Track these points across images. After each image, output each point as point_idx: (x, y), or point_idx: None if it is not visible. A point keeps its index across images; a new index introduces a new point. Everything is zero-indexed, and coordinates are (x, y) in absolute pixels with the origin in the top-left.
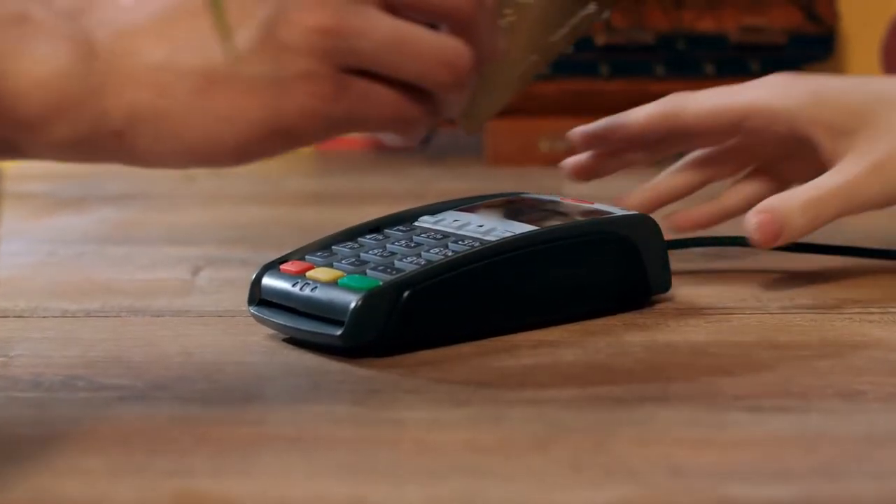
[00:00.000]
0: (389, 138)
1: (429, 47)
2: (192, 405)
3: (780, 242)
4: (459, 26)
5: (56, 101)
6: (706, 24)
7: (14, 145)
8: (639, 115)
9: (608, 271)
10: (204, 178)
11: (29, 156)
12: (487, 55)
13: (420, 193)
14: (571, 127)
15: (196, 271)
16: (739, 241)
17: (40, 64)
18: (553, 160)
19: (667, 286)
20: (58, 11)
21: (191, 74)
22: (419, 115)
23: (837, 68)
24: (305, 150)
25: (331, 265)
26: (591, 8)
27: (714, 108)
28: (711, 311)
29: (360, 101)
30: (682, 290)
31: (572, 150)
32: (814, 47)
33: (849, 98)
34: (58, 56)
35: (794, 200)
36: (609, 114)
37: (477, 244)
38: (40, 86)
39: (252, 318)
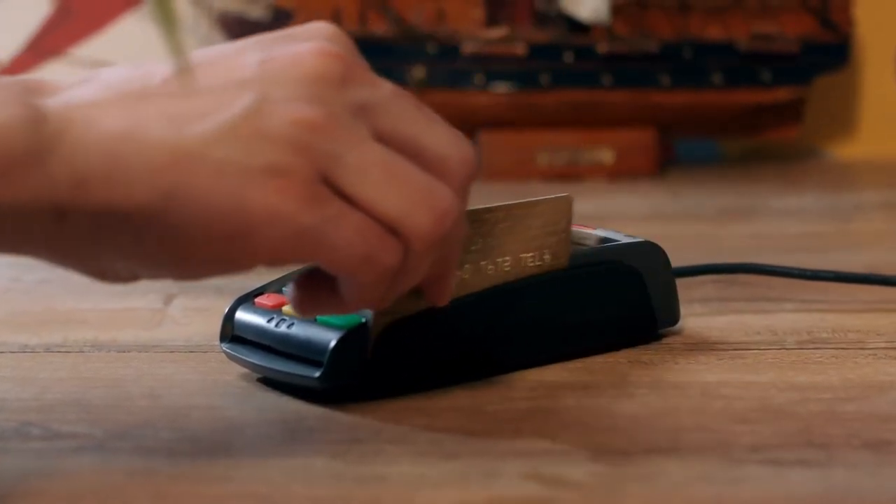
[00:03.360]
0: (347, 292)
1: (417, 185)
2: (154, 457)
3: None
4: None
5: None
6: (714, 32)
7: None
8: None
9: (612, 304)
10: None
11: None
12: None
13: None
14: (571, 140)
15: (168, 300)
16: (752, 268)
17: None
18: (552, 175)
19: (675, 319)
20: (8, 82)
21: (152, 149)
22: (390, 264)
23: (852, 77)
24: None
25: None
26: (548, 259)
27: None
28: (723, 346)
29: (332, 224)
30: (692, 323)
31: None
32: (828, 56)
33: None
34: (4, 114)
35: None
36: (611, 126)
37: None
38: None
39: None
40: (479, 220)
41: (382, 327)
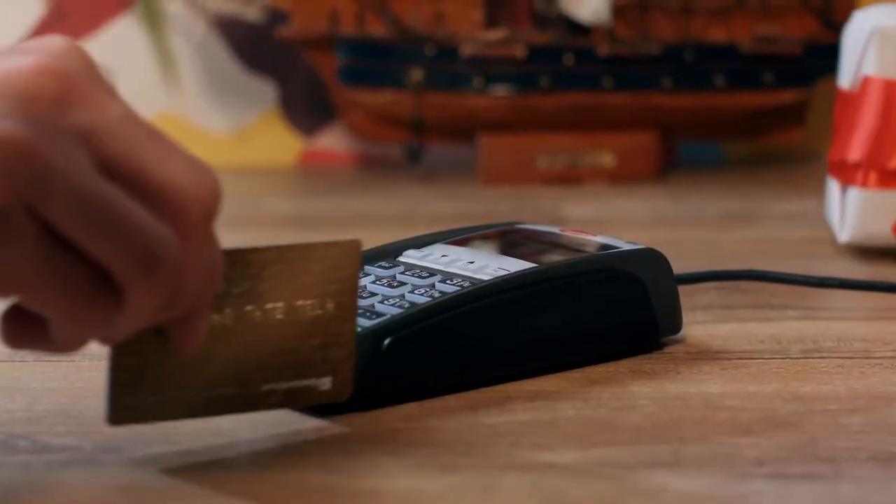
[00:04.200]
0: (54, 331)
1: (132, 229)
2: (144, 471)
3: None
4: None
5: None
6: (716, 34)
7: None
8: None
9: (613, 312)
10: None
11: None
12: (180, 317)
13: (408, 217)
14: (571, 143)
15: None
16: (756, 275)
17: None
18: (552, 178)
19: (677, 327)
20: None
21: None
22: (97, 316)
23: None
24: (286, 166)
25: None
26: (325, 383)
27: None
28: (727, 355)
29: (26, 257)
30: (695, 332)
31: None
32: (831, 57)
33: None
34: None
35: None
36: (611, 129)
37: (467, 284)
38: None
39: None
40: (243, 262)
41: (125, 370)
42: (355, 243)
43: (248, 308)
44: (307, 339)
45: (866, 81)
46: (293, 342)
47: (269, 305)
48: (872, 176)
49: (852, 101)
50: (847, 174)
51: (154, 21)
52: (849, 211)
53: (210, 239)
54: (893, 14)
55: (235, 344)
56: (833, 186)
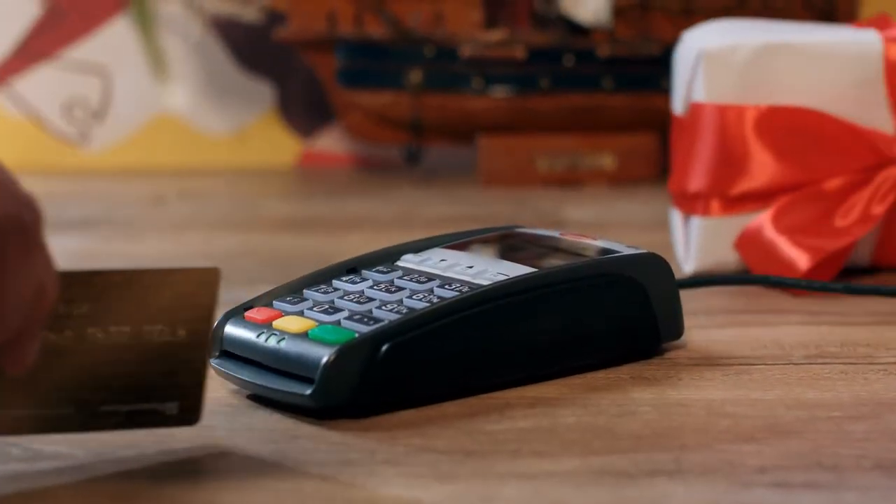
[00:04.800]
0: None
1: None
2: (137, 480)
3: None
4: None
5: None
6: None
7: None
8: None
9: (613, 317)
10: (175, 201)
11: None
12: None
13: (407, 219)
14: (571, 145)
15: None
16: (758, 279)
17: None
18: (551, 180)
19: (679, 333)
20: None
21: None
22: None
23: None
24: (284, 168)
25: (301, 313)
26: (172, 408)
27: None
28: (729, 361)
29: None
30: (696, 337)
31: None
32: None
33: None
34: None
35: None
36: (612, 130)
37: (466, 289)
38: None
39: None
40: (85, 283)
41: None
42: (214, 271)
43: (90, 330)
44: (153, 363)
45: (696, 108)
46: (138, 366)
47: (113, 328)
48: (715, 204)
49: (686, 127)
50: (688, 204)
51: (146, 23)
52: (693, 240)
53: (32, 262)
54: (722, 34)
55: (74, 365)
56: (675, 216)
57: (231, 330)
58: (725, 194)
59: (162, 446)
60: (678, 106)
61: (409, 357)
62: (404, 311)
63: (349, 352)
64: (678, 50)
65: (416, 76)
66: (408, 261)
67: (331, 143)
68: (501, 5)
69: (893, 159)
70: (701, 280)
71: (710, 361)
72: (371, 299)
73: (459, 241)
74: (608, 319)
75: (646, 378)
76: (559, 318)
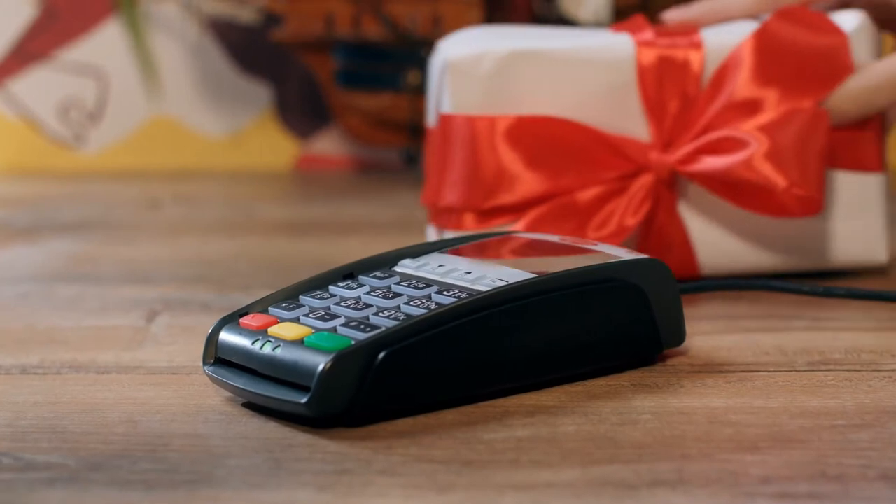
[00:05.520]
0: None
1: None
2: (129, 491)
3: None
4: None
5: None
6: None
7: None
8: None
9: (614, 323)
10: (170, 205)
11: None
12: None
13: (405, 223)
14: None
15: (151, 317)
16: (761, 285)
17: None
18: None
19: (680, 339)
20: None
21: None
22: None
23: None
24: (281, 170)
25: (297, 320)
26: None
27: None
28: (731, 368)
29: None
30: (698, 343)
31: None
32: None
33: None
34: None
35: (849, 87)
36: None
37: (464, 295)
38: None
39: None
40: None
41: None
42: None
43: None
44: None
45: (445, 119)
46: None
47: None
48: (468, 218)
49: (437, 140)
50: (442, 218)
51: (136, 31)
52: None
53: None
54: (472, 42)
55: None
56: (430, 231)
57: (226, 337)
58: (478, 208)
59: (155, 454)
60: (431, 119)
61: (407, 365)
62: (402, 317)
63: (345, 359)
64: (433, 59)
65: (414, 78)
66: (405, 266)
67: (328, 145)
68: (501, 6)
69: (648, 167)
70: (703, 285)
71: (712, 368)
72: (368, 305)
73: (457, 246)
74: (609, 326)
75: (647, 385)
76: (559, 324)
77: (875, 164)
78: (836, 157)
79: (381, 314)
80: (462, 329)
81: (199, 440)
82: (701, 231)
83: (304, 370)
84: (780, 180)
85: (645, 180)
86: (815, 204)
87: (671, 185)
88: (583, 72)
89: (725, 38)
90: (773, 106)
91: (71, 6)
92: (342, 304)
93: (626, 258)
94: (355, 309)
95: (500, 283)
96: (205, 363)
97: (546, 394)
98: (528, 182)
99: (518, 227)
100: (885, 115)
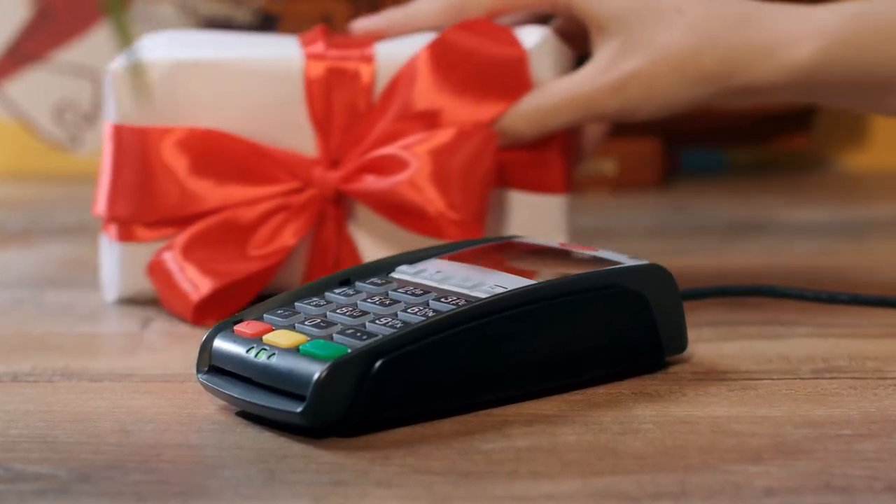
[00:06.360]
0: None
1: None
2: (121, 502)
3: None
4: None
5: None
6: None
7: None
8: (426, 8)
9: (615, 331)
10: None
11: None
12: None
13: None
14: None
15: (146, 323)
16: (764, 290)
17: None
18: None
19: (682, 346)
20: None
21: None
22: None
23: None
24: None
25: (292, 327)
26: None
27: None
28: (734, 375)
29: None
30: (700, 350)
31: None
32: None
33: None
34: None
35: (524, 107)
36: (613, 135)
37: (462, 302)
38: None
39: None
40: None
41: None
42: None
43: None
44: None
45: (115, 130)
46: None
47: None
48: (136, 230)
49: (106, 149)
50: (111, 229)
51: (124, 32)
52: (115, 267)
53: None
54: (146, 51)
55: None
56: (104, 241)
57: (220, 344)
58: (146, 220)
59: (147, 465)
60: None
61: (404, 373)
62: (399, 325)
63: (341, 368)
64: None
65: None
66: (402, 272)
67: None
68: None
69: (312, 184)
70: (705, 291)
71: (714, 376)
72: (364, 312)
73: (456, 252)
74: (609, 333)
75: (648, 394)
76: (559, 331)
77: (557, 186)
78: (515, 177)
79: (377, 321)
80: (460, 337)
81: (193, 450)
82: (373, 251)
83: (300, 379)
84: (435, 203)
85: (309, 198)
86: (471, 228)
87: (339, 202)
88: (250, 84)
89: (399, 50)
90: (450, 119)
91: (66, 7)
92: (338, 310)
93: (628, 264)
94: (352, 316)
95: (500, 290)
96: (198, 371)
97: (546, 402)
98: (194, 196)
99: (179, 242)
100: (577, 139)
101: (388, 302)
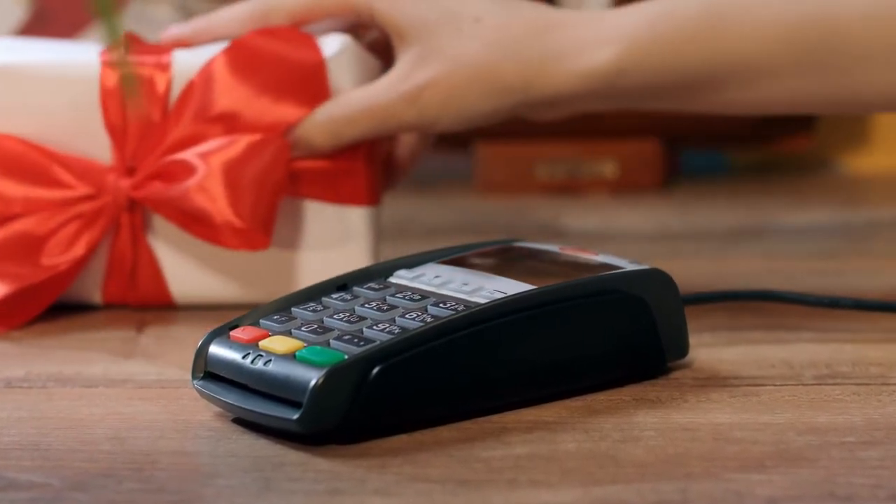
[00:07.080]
0: None
1: None
2: None
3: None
4: None
5: None
6: None
7: None
8: (230, 16)
9: (616, 336)
10: None
11: None
12: None
13: (402, 229)
14: (571, 152)
15: (141, 326)
16: (766, 295)
17: None
18: (551, 189)
19: (684, 352)
20: None
21: None
22: None
23: None
24: None
25: (289, 333)
26: None
27: (307, 7)
28: (736, 381)
29: None
30: (702, 356)
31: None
32: None
33: (420, 5)
34: None
35: (318, 117)
36: (613, 137)
37: (461, 307)
38: None
39: None
40: None
41: None
42: None
43: None
44: None
45: None
46: None
47: None
48: None
49: None
50: None
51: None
52: None
53: None
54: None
55: None
56: None
57: (216, 350)
58: None
59: (142, 474)
60: None
61: (402, 380)
62: (397, 330)
63: (338, 374)
64: None
65: None
66: (401, 277)
67: None
68: None
69: (106, 192)
70: (706, 296)
71: (716, 382)
72: (362, 318)
73: (454, 257)
74: (610, 339)
75: (649, 400)
76: (559, 337)
77: (362, 197)
78: (314, 188)
79: (375, 327)
80: (459, 343)
81: (187, 458)
82: (173, 260)
83: (296, 385)
84: (223, 212)
85: (102, 205)
86: (254, 238)
87: (134, 210)
88: (47, 89)
89: (197, 58)
90: (248, 121)
91: (62, 9)
92: (335, 316)
93: (628, 268)
94: (349, 321)
95: (499, 295)
96: (194, 377)
97: (546, 409)
98: None
99: None
100: (391, 150)
101: (385, 307)
